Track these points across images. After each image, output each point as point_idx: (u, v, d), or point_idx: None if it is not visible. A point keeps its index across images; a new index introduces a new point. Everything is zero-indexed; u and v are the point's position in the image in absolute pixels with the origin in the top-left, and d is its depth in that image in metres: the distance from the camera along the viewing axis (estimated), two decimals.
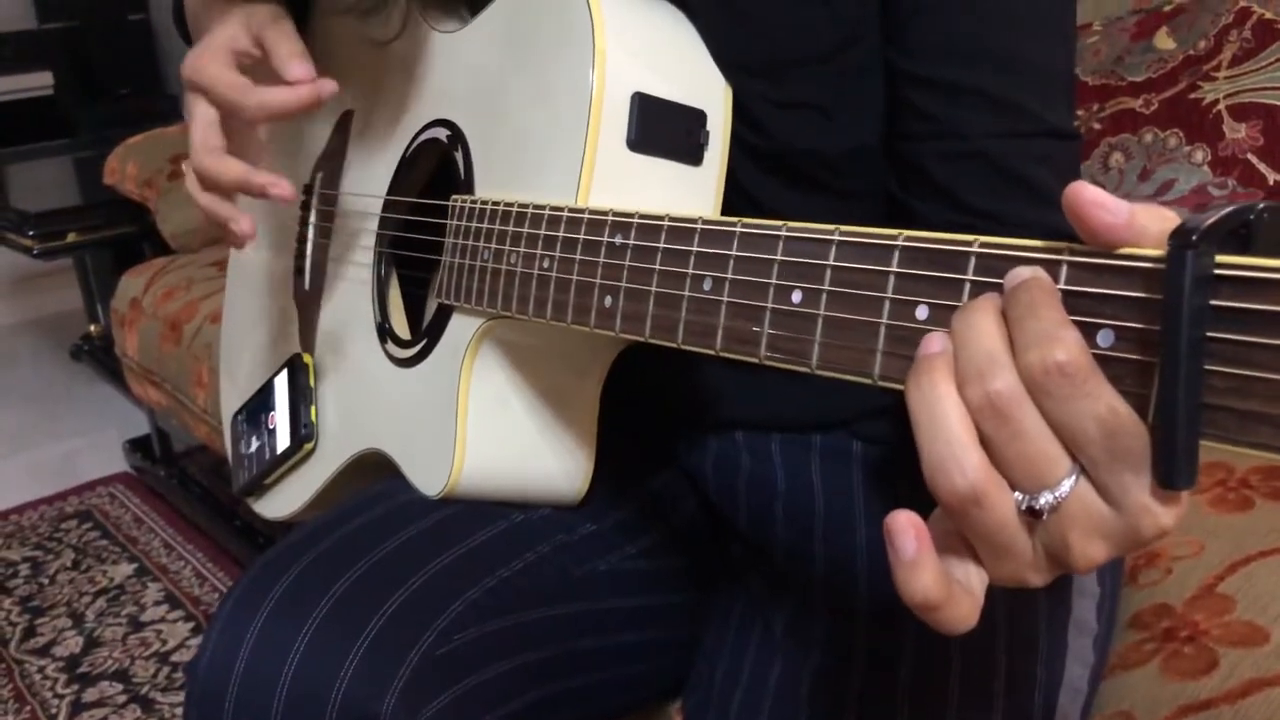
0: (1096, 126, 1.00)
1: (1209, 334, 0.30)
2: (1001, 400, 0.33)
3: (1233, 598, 0.65)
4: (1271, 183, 0.89)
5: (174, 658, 1.59)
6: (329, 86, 0.68)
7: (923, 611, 0.35)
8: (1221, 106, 0.92)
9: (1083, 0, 1.15)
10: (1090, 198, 0.33)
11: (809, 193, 0.64)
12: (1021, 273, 0.34)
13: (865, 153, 0.62)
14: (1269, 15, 0.93)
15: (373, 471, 0.74)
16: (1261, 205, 0.31)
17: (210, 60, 0.68)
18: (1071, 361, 0.32)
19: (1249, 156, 0.90)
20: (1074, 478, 0.33)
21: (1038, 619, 0.60)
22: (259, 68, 0.69)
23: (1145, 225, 0.32)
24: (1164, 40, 1.00)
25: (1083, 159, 1.01)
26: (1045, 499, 0.33)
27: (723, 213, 0.60)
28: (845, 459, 0.68)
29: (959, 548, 0.36)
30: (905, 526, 0.34)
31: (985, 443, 0.34)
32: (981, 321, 0.34)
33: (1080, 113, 1.02)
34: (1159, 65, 0.99)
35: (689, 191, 0.59)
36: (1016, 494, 0.34)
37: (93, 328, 2.42)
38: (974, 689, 0.57)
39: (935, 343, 0.35)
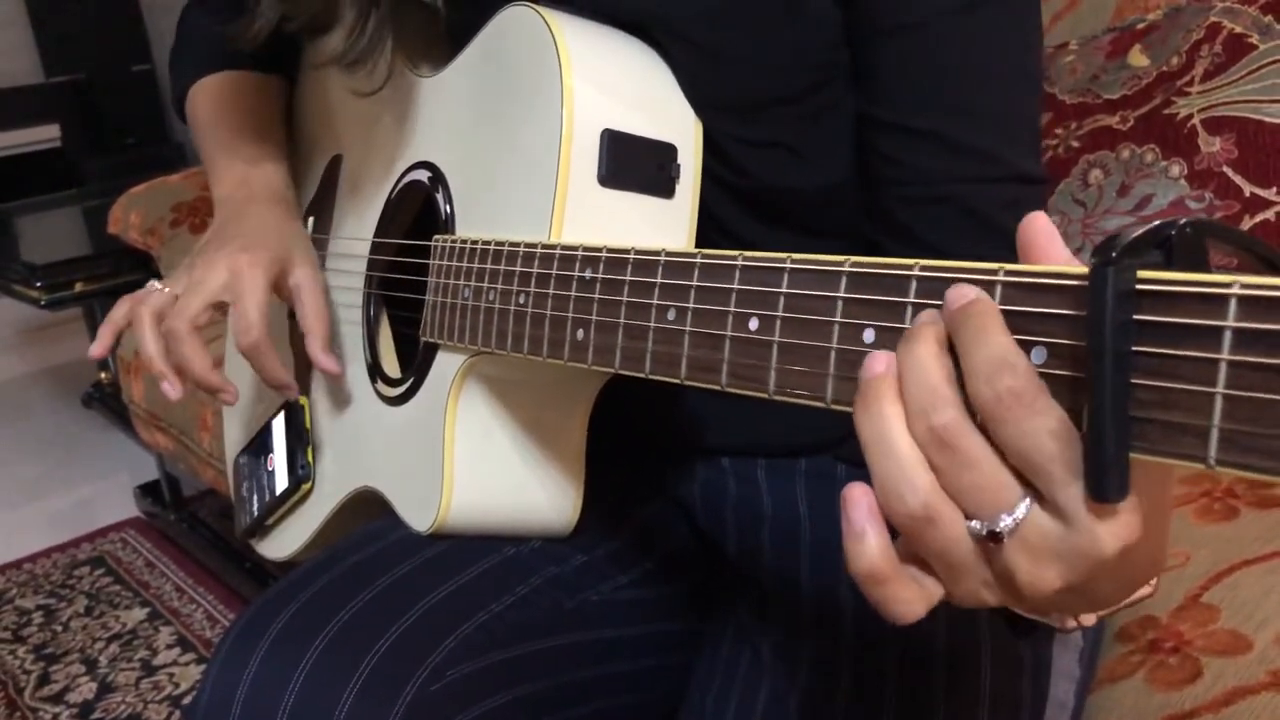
0: (1075, 144, 1.02)
1: (1134, 348, 0.31)
2: (948, 434, 0.33)
3: (1217, 607, 0.65)
4: (1248, 194, 0.90)
5: (186, 701, 1.59)
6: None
7: (868, 585, 0.35)
8: (1196, 121, 0.94)
9: (1060, 20, 1.16)
10: (1045, 225, 0.34)
11: (785, 229, 0.65)
12: (965, 293, 0.34)
13: (838, 190, 0.63)
14: (1239, 30, 0.94)
15: (372, 509, 0.75)
16: (1184, 220, 0.31)
17: (252, 287, 0.70)
18: (1020, 384, 0.32)
19: (1224, 169, 0.91)
20: (1029, 500, 0.33)
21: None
22: None
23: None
24: (1138, 57, 1.01)
25: (1063, 176, 1.02)
26: (1005, 522, 0.33)
27: (700, 248, 0.61)
28: (830, 481, 0.69)
29: (918, 562, 0.36)
30: (859, 498, 0.35)
31: (936, 472, 0.34)
32: (922, 353, 0.34)
33: (1059, 131, 1.04)
34: (1134, 82, 1.00)
35: (662, 224, 0.61)
36: (974, 522, 0.34)
37: (103, 375, 2.44)
38: (959, 707, 0.58)
39: (879, 364, 0.36)
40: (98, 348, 0.75)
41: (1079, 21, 1.11)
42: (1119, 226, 0.96)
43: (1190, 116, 0.94)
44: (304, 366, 0.87)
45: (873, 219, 0.62)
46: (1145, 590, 0.37)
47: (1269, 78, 0.91)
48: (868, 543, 0.35)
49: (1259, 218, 0.89)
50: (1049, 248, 0.34)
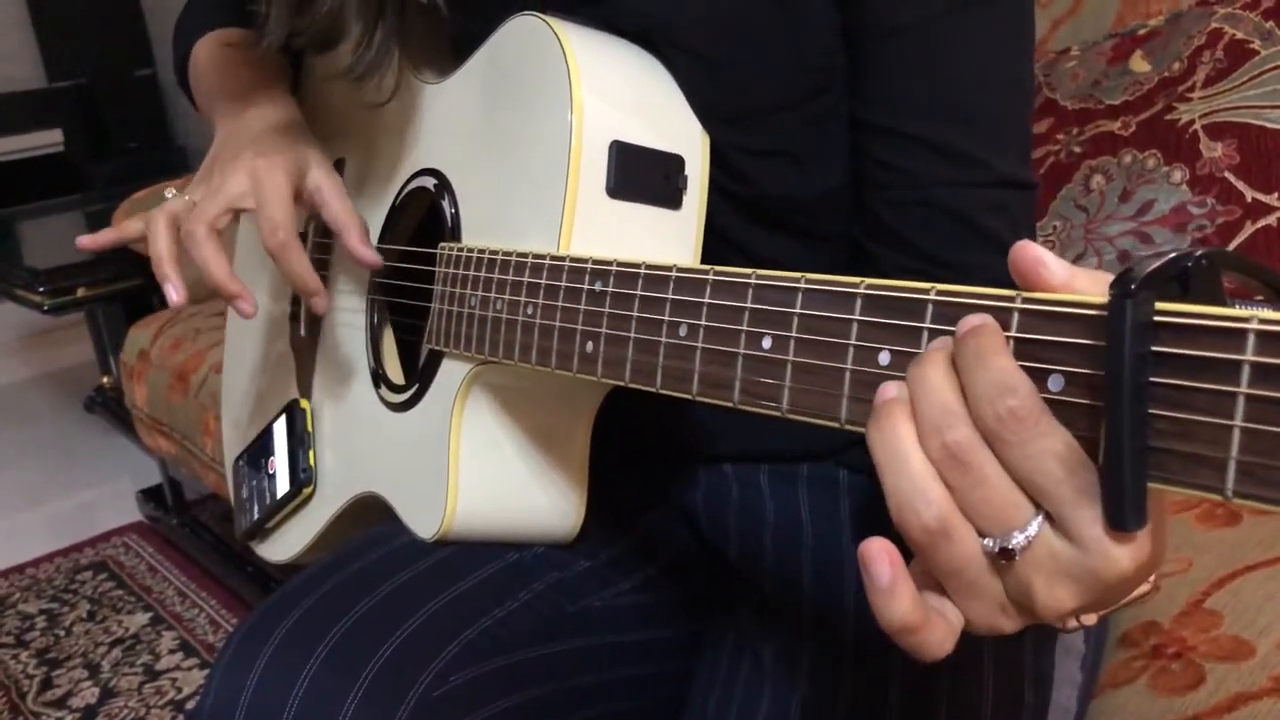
0: (1077, 150, 1.02)
1: (1152, 379, 0.31)
2: (960, 450, 0.33)
3: (1220, 613, 0.66)
4: (1249, 200, 0.90)
5: (189, 706, 1.59)
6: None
7: (900, 636, 0.35)
8: (1198, 126, 0.94)
9: (1061, 26, 1.17)
10: (1033, 255, 0.34)
11: (785, 236, 0.65)
12: (969, 320, 0.35)
13: (837, 196, 0.63)
14: (1240, 35, 0.95)
15: (373, 514, 0.76)
16: (1200, 252, 0.32)
17: (275, 188, 0.69)
18: (1023, 406, 0.32)
19: (1226, 174, 0.91)
20: (1040, 519, 0.33)
21: (1024, 642, 0.61)
22: None
23: (1085, 288, 0.33)
24: (1139, 63, 1.01)
25: (1065, 182, 1.02)
26: (1017, 539, 0.33)
27: (704, 257, 0.61)
28: (832, 487, 0.69)
29: (934, 587, 0.36)
30: (879, 554, 0.34)
31: (950, 491, 0.34)
32: (932, 374, 0.35)
33: (1060, 137, 1.04)
34: (1135, 88, 1.00)
35: (669, 235, 0.61)
36: (987, 540, 0.34)
37: (105, 380, 2.44)
38: (962, 713, 0.58)
39: (891, 389, 0.36)
40: (91, 239, 0.73)
41: (1080, 27, 1.12)
42: (1120, 231, 0.96)
43: (1192, 122, 0.94)
44: (306, 370, 0.87)
45: (862, 224, 0.62)
46: (1145, 587, 0.37)
47: (1270, 83, 0.92)
48: (898, 599, 0.34)
49: (1260, 223, 0.89)
50: (1042, 273, 0.34)
